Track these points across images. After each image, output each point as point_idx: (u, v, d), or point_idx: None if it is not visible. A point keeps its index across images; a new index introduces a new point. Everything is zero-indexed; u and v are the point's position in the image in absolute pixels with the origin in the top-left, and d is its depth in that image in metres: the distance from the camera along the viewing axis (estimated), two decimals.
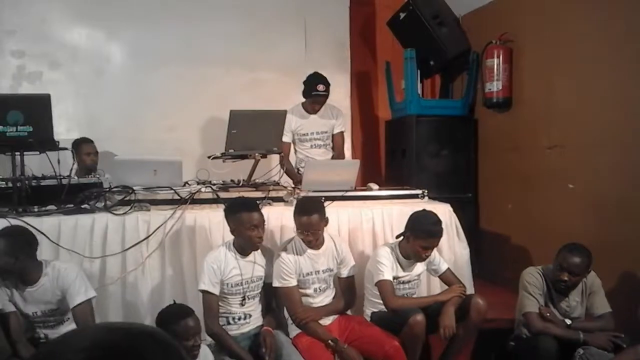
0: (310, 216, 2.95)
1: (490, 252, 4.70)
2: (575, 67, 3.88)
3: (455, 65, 5.11)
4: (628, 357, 2.80)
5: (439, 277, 3.27)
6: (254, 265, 2.96)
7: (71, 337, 0.69)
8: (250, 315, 2.96)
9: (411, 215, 3.15)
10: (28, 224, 2.91)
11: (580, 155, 3.84)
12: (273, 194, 3.49)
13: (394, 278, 3.09)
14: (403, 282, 3.17)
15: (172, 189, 3.32)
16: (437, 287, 3.41)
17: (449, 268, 3.27)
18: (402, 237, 3.16)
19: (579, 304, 3.10)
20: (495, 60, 4.53)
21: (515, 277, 3.24)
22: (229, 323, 2.91)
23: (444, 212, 3.59)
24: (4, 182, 3.18)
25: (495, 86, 4.55)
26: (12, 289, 2.66)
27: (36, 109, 3.13)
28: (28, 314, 2.69)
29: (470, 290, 3.39)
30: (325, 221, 3.03)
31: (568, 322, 3.04)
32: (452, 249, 3.57)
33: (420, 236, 3.03)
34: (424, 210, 3.19)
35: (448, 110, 5.07)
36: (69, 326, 2.74)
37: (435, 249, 3.15)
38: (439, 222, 3.08)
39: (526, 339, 3.08)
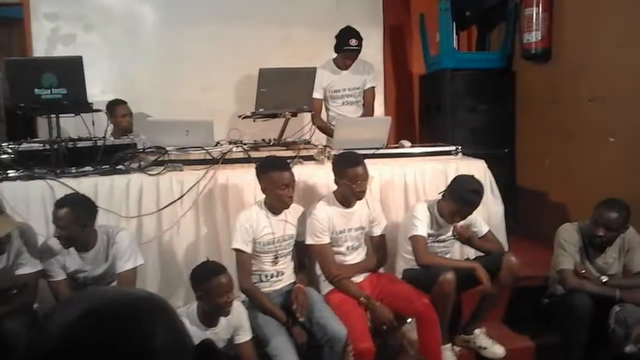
0: (361, 166, 2.95)
1: (527, 208, 4.61)
2: (619, 15, 3.68)
3: (492, 16, 4.92)
4: None
5: (480, 238, 3.21)
6: (285, 223, 2.98)
7: (68, 302, 0.73)
8: (283, 273, 3.00)
9: (456, 176, 3.13)
10: (66, 185, 2.99)
11: (622, 108, 3.68)
12: (304, 152, 3.47)
13: (429, 235, 3.08)
14: (438, 241, 3.15)
15: (204, 149, 3.35)
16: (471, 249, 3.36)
17: (489, 230, 3.22)
18: (442, 196, 3.12)
19: (616, 261, 3.03)
20: (535, 9, 4.32)
21: (552, 234, 3.18)
22: (261, 280, 2.96)
23: (478, 168, 3.53)
24: (42, 144, 3.26)
25: (534, 36, 4.35)
26: (65, 256, 2.71)
27: (69, 71, 3.16)
28: (79, 278, 2.76)
29: (504, 248, 3.34)
30: None
31: (604, 279, 2.97)
32: (486, 206, 3.49)
33: (453, 199, 3.00)
34: (470, 176, 3.13)
35: (485, 63, 4.88)
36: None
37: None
38: (478, 192, 3.01)
39: (560, 296, 3.05)
